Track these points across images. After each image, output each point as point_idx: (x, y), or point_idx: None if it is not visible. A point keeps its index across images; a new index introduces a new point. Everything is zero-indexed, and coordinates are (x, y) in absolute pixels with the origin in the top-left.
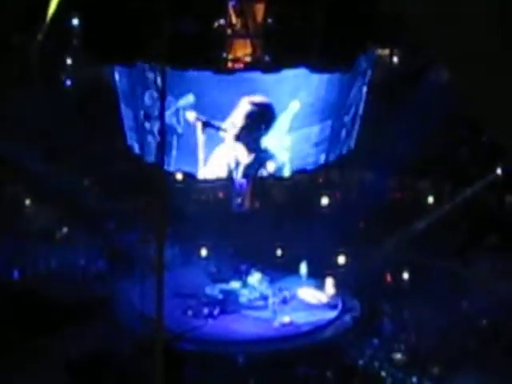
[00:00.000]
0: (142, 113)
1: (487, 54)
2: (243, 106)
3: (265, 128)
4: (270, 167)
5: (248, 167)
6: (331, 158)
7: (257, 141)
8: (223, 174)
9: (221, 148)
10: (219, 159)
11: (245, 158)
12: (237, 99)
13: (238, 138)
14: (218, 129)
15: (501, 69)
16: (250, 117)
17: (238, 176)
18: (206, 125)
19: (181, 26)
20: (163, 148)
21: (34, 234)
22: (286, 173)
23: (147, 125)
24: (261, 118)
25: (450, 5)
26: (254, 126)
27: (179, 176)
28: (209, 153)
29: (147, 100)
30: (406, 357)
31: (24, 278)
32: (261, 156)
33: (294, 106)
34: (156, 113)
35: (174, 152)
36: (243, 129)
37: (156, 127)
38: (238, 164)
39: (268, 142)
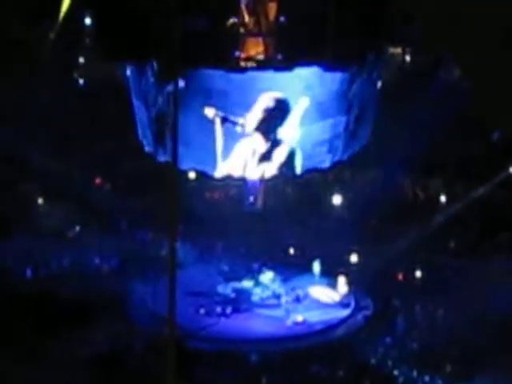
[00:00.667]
0: (154, 110)
1: (500, 51)
2: (262, 101)
3: (280, 120)
4: (283, 154)
5: (264, 155)
6: (344, 157)
7: (274, 130)
8: (241, 169)
9: (241, 143)
10: (239, 154)
11: (262, 146)
12: (256, 95)
13: (257, 129)
14: (236, 124)
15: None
16: (268, 110)
17: (254, 165)
18: (224, 120)
19: (193, 24)
20: (176, 146)
21: (47, 232)
22: (298, 169)
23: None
24: (278, 112)
25: (462, 3)
26: (272, 118)
27: (192, 175)
28: (227, 149)
29: (160, 98)
30: (419, 355)
31: (37, 277)
32: (276, 144)
33: (304, 102)
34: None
35: (188, 150)
36: (262, 121)
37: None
38: (254, 152)
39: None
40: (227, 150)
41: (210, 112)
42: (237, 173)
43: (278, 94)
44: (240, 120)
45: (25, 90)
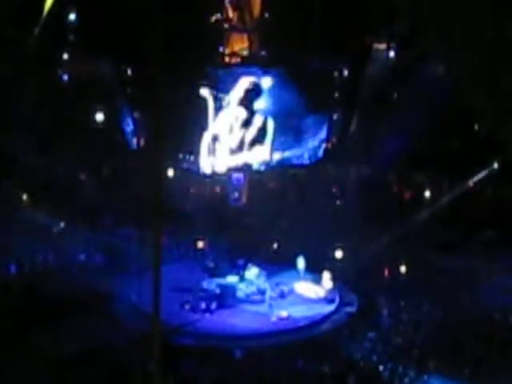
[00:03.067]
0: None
1: (484, 46)
2: (242, 83)
3: (256, 96)
4: (259, 120)
5: (245, 121)
6: (326, 153)
7: (251, 104)
8: (228, 133)
9: (227, 112)
10: (226, 119)
11: (243, 114)
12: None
13: (239, 103)
14: (223, 99)
15: (498, 61)
16: (247, 90)
17: (237, 128)
18: (216, 97)
19: (178, 20)
20: (162, 142)
21: (32, 228)
22: (270, 135)
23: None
24: (254, 90)
25: None
26: (250, 95)
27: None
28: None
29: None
30: (404, 350)
31: (21, 273)
32: (254, 113)
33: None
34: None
35: None
36: (243, 97)
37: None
38: (237, 118)
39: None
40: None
41: (205, 92)
42: (224, 138)
43: (253, 78)
44: (226, 97)
45: (9, 87)
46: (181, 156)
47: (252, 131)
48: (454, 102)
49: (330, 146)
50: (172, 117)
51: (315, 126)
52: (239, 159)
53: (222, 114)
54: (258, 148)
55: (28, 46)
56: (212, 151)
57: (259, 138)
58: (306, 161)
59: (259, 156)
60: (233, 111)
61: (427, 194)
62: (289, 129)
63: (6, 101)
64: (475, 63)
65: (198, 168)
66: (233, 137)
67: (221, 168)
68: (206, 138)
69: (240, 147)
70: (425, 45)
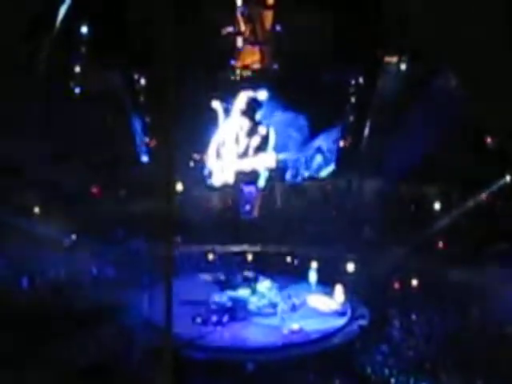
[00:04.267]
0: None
1: (497, 62)
2: (242, 96)
3: (257, 109)
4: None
5: (249, 131)
6: (339, 166)
7: (253, 115)
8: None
9: (231, 122)
10: (231, 128)
11: (247, 124)
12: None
13: (243, 113)
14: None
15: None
16: (248, 103)
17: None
18: (226, 109)
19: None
20: (171, 154)
21: (43, 241)
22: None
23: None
24: (254, 103)
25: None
26: (251, 107)
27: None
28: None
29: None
30: (415, 364)
31: (33, 286)
32: (257, 124)
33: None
34: None
35: None
36: (246, 109)
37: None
38: (241, 128)
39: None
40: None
41: (216, 104)
42: (230, 145)
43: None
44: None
45: (22, 100)
46: (192, 164)
47: (256, 139)
48: (466, 114)
49: (342, 157)
50: (183, 128)
51: (324, 137)
52: (246, 164)
53: (227, 123)
54: (262, 155)
55: (40, 59)
56: (220, 156)
57: (263, 146)
58: (317, 173)
59: (265, 162)
60: (237, 121)
61: (439, 206)
62: (293, 138)
63: (19, 112)
64: (485, 76)
65: (209, 178)
66: (238, 144)
67: (229, 173)
68: (214, 145)
69: (245, 153)
70: (436, 58)
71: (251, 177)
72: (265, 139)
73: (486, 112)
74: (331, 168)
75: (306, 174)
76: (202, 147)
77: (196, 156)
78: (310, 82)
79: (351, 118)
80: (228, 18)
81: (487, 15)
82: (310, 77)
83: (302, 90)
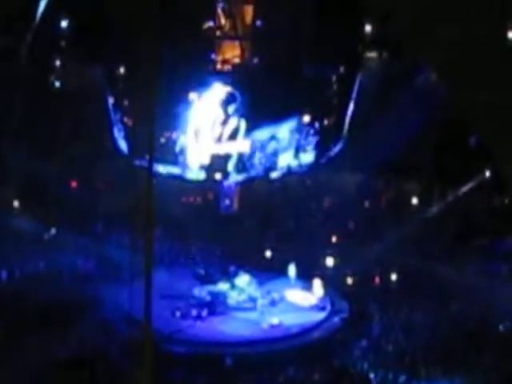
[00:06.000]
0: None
1: (477, 57)
2: (219, 90)
3: (231, 101)
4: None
5: (223, 121)
6: (321, 161)
7: (227, 107)
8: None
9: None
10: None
11: (221, 114)
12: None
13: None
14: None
15: (492, 71)
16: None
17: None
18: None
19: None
20: (152, 148)
21: (22, 235)
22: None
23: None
24: (229, 95)
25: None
26: (225, 99)
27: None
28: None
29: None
30: (395, 358)
31: (12, 279)
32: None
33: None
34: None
35: None
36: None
37: None
38: (215, 118)
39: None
40: None
41: (193, 96)
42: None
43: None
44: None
45: (0, 94)
46: (163, 141)
47: (228, 129)
48: (446, 109)
49: (321, 152)
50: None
51: (302, 132)
52: (221, 148)
53: (203, 112)
54: (235, 141)
55: (20, 53)
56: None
57: (234, 136)
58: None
59: (239, 147)
60: (212, 111)
61: (418, 201)
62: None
63: None
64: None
65: (180, 155)
66: (213, 131)
67: (205, 155)
68: (190, 131)
69: (219, 139)
70: (416, 51)
71: (224, 160)
72: (235, 130)
73: (466, 107)
74: (308, 158)
75: (263, 159)
76: (174, 125)
77: (167, 133)
78: (290, 77)
79: (331, 113)
80: (208, 12)
81: (467, 9)
82: (290, 72)
83: (280, 85)
